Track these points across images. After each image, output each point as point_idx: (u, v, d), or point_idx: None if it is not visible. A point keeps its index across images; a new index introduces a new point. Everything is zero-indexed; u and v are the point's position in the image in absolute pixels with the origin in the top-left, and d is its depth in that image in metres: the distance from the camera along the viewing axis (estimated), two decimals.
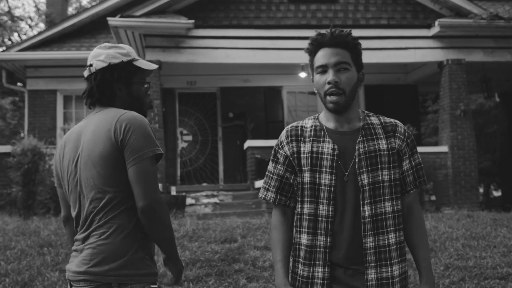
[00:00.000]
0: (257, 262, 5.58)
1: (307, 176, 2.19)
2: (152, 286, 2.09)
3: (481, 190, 19.79)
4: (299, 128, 2.28)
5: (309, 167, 2.19)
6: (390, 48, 11.26)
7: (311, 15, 11.76)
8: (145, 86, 2.35)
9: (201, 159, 13.48)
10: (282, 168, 2.26)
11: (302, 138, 2.25)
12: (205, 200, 10.48)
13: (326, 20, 11.76)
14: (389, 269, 2.11)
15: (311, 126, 2.26)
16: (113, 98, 2.27)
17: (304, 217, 2.20)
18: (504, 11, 11.68)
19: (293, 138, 2.26)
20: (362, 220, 2.12)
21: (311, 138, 2.22)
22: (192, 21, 10.83)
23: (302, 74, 12.70)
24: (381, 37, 11.44)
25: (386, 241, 2.12)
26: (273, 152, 2.32)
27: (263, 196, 2.31)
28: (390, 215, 2.14)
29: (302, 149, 2.23)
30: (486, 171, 18.29)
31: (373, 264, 2.11)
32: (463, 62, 11.86)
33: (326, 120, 2.25)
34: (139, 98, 2.33)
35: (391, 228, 2.14)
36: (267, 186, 2.30)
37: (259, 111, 13.51)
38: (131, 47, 2.37)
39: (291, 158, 2.24)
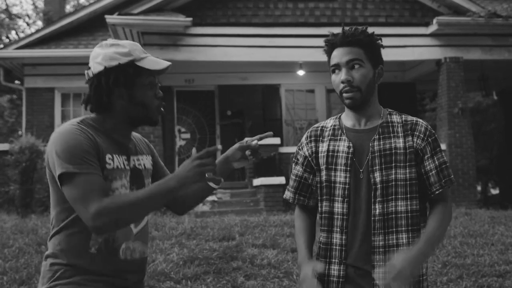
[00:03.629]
0: (255, 260, 5.58)
1: (324, 175, 2.22)
2: None
3: (479, 188, 19.83)
4: (319, 128, 2.32)
5: (325, 166, 2.22)
6: (388, 46, 11.08)
7: (309, 13, 11.75)
8: (153, 88, 2.05)
9: None
10: (301, 169, 2.30)
11: (321, 138, 2.28)
12: None
13: (324, 18, 11.75)
14: None
15: (331, 126, 2.29)
16: (109, 106, 2.01)
17: (322, 215, 2.22)
18: (502, 9, 11.69)
19: (312, 138, 2.30)
20: (372, 218, 2.11)
21: (329, 137, 2.25)
22: (190, 19, 10.81)
23: (300, 72, 12.70)
24: (379, 35, 11.33)
25: (395, 241, 2.10)
26: (295, 153, 2.37)
27: (285, 196, 2.37)
28: (403, 215, 2.11)
29: (320, 148, 2.26)
30: (484, 169, 18.32)
31: (381, 263, 2.08)
32: (461, 60, 11.86)
33: (346, 118, 2.27)
34: (144, 103, 2.01)
35: (403, 228, 2.10)
36: (288, 187, 2.35)
37: (257, 109, 13.50)
38: (135, 44, 2.06)
39: (309, 159, 2.28)
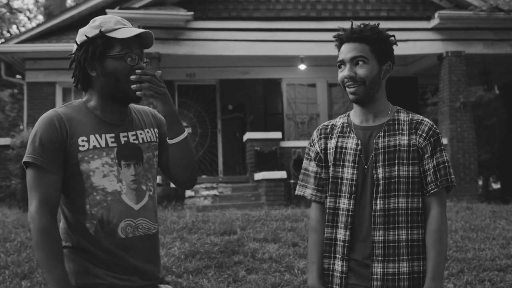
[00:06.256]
0: (256, 254, 5.58)
1: (331, 171, 2.24)
2: None
3: (480, 182, 19.83)
4: (329, 126, 2.35)
5: (332, 162, 2.24)
6: None
7: (311, 7, 11.72)
8: (128, 58, 1.99)
9: (201, 152, 13.48)
10: (314, 164, 2.32)
11: (330, 136, 2.31)
12: (205, 192, 10.49)
13: (326, 12, 11.73)
14: (396, 265, 2.11)
15: (341, 124, 2.31)
16: (88, 82, 2.04)
17: (326, 211, 2.24)
18: (504, 3, 11.64)
19: (323, 136, 2.33)
20: (373, 213, 2.13)
21: (338, 134, 2.28)
22: (191, 13, 10.80)
23: (302, 66, 12.68)
24: None
25: (396, 237, 2.12)
26: (306, 150, 2.39)
27: (301, 193, 2.35)
28: (403, 212, 2.13)
29: (329, 145, 2.29)
30: (485, 164, 18.32)
31: (380, 258, 2.11)
32: (462, 54, 11.84)
33: (354, 115, 2.29)
34: (114, 74, 1.98)
35: (403, 225, 2.12)
36: (304, 183, 2.35)
37: (258, 103, 13.48)
38: (112, 17, 2.04)
39: (321, 155, 2.30)
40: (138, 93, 1.96)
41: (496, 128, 17.54)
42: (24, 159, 1.93)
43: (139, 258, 2.02)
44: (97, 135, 1.99)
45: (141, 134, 2.11)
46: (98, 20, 2.03)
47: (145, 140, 2.11)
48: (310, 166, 2.34)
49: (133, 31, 1.98)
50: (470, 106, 11.94)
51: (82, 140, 1.96)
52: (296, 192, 2.39)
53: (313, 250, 2.28)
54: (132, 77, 1.96)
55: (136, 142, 2.08)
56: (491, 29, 11.94)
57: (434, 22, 11.57)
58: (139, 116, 2.18)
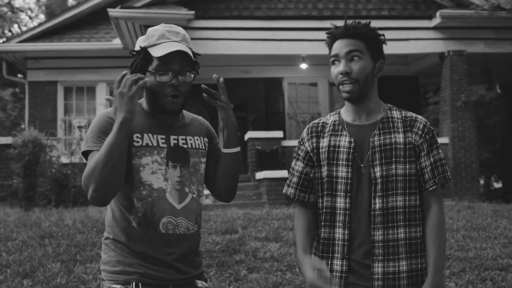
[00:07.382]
0: (258, 253, 5.59)
1: (325, 170, 2.21)
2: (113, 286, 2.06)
3: (482, 181, 19.81)
4: (320, 124, 2.32)
5: (326, 161, 2.21)
6: (391, 39, 11.03)
7: (312, 6, 11.72)
8: (163, 75, 2.09)
9: None
10: (302, 164, 2.29)
11: (322, 134, 2.28)
12: (206, 191, 10.44)
13: (327, 11, 11.72)
14: (396, 264, 2.10)
15: (332, 122, 2.29)
16: (141, 91, 2.12)
17: (323, 210, 2.21)
18: (506, 2, 11.61)
19: (314, 134, 2.29)
20: (372, 213, 2.12)
21: (330, 133, 2.25)
22: (193, 12, 10.80)
23: (303, 65, 12.67)
24: (382, 28, 11.18)
25: (396, 236, 2.11)
26: (295, 149, 2.36)
27: (285, 191, 2.35)
28: (401, 210, 2.12)
29: (321, 144, 2.26)
30: (487, 163, 18.32)
31: (380, 258, 2.10)
32: (464, 53, 11.82)
33: (346, 113, 2.27)
34: (150, 88, 2.09)
35: (401, 223, 2.11)
36: (288, 182, 2.34)
37: (259, 103, 13.48)
38: (157, 30, 2.13)
39: (311, 154, 2.27)
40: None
41: (498, 127, 17.53)
42: (84, 148, 2.03)
43: (175, 255, 2.10)
44: (150, 134, 2.11)
45: (190, 140, 2.22)
46: (148, 31, 2.14)
47: (194, 146, 2.22)
48: (296, 165, 2.31)
49: (169, 47, 2.06)
50: (471, 105, 11.93)
51: (137, 137, 2.08)
52: (283, 191, 2.38)
53: (302, 247, 2.25)
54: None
55: (185, 146, 2.19)
56: (493, 28, 11.93)
57: (436, 21, 11.55)
58: (192, 123, 2.29)
